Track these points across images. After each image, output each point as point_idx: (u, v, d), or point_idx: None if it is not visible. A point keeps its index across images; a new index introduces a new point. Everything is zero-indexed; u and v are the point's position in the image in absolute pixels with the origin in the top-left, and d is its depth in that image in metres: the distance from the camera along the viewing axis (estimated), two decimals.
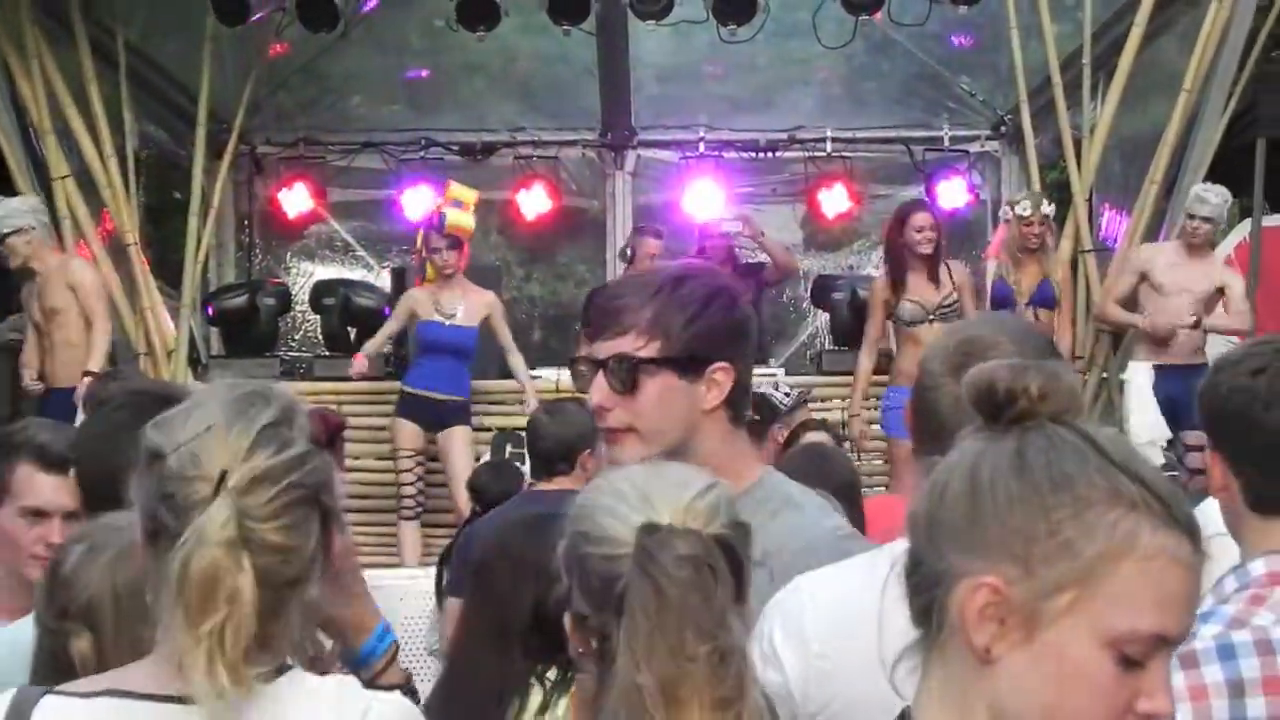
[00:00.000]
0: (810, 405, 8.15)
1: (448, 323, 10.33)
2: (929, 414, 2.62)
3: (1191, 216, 9.81)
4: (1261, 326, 10.30)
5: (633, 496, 2.12)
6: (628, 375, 2.88)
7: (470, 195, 11.16)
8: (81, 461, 3.28)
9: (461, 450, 10.27)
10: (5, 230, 9.69)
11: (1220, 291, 9.97)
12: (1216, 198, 9.85)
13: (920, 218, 10.07)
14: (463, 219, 10.86)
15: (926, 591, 1.76)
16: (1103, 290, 10.30)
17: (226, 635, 1.96)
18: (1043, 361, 1.82)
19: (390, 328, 10.73)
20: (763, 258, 12.45)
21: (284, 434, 2.08)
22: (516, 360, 10.58)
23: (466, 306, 10.39)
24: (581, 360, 2.98)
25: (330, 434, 2.04)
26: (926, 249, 9.97)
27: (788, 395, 7.91)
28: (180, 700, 2.03)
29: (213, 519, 1.98)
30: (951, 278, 10.03)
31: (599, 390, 2.91)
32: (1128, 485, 1.68)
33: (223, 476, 2.02)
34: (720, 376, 2.90)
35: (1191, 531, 1.69)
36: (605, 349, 2.92)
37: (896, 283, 10.06)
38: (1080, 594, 1.66)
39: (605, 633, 2.07)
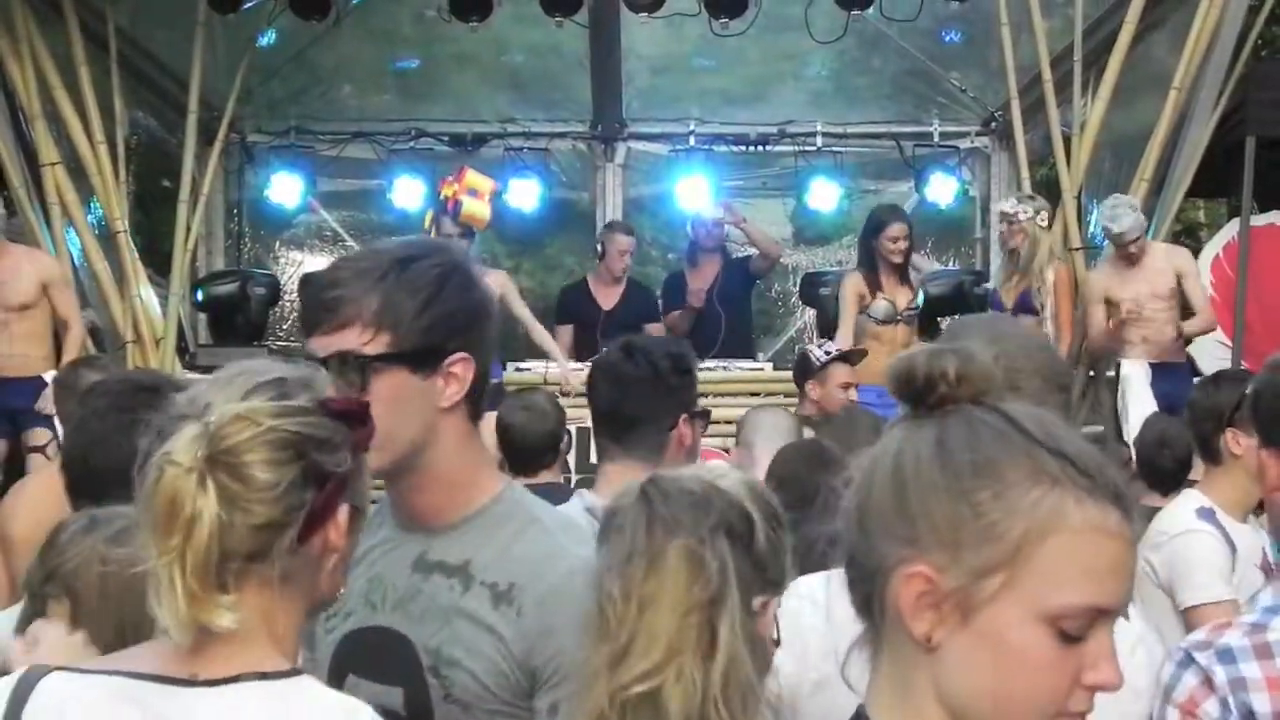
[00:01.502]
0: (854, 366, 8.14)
1: None
2: None
3: (1121, 246, 9.70)
4: (1250, 327, 10.35)
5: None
6: (354, 375, 2.51)
7: (487, 184, 11.13)
8: (68, 457, 3.29)
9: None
10: None
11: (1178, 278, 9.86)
12: (1130, 215, 9.69)
13: (895, 228, 10.18)
14: (479, 208, 10.84)
15: (864, 584, 1.77)
16: (1087, 329, 10.09)
17: (187, 557, 1.93)
18: (957, 345, 1.81)
19: None
20: (748, 250, 12.47)
21: (286, 389, 2.06)
22: (539, 334, 10.52)
23: None
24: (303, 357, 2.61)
25: (355, 412, 1.99)
26: (898, 259, 10.16)
27: (827, 353, 7.98)
28: (186, 683, 2.02)
29: (181, 438, 1.97)
30: (918, 273, 10.19)
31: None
32: (1050, 462, 1.68)
33: (207, 408, 2.01)
34: (459, 369, 2.58)
35: (1120, 502, 1.69)
36: (325, 345, 2.54)
37: (870, 282, 10.13)
38: (1010, 575, 1.66)
39: None
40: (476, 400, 2.64)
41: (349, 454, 2.08)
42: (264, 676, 2.04)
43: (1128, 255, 9.67)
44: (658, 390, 3.90)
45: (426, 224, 11.42)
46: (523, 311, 10.50)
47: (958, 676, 1.71)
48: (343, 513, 2.09)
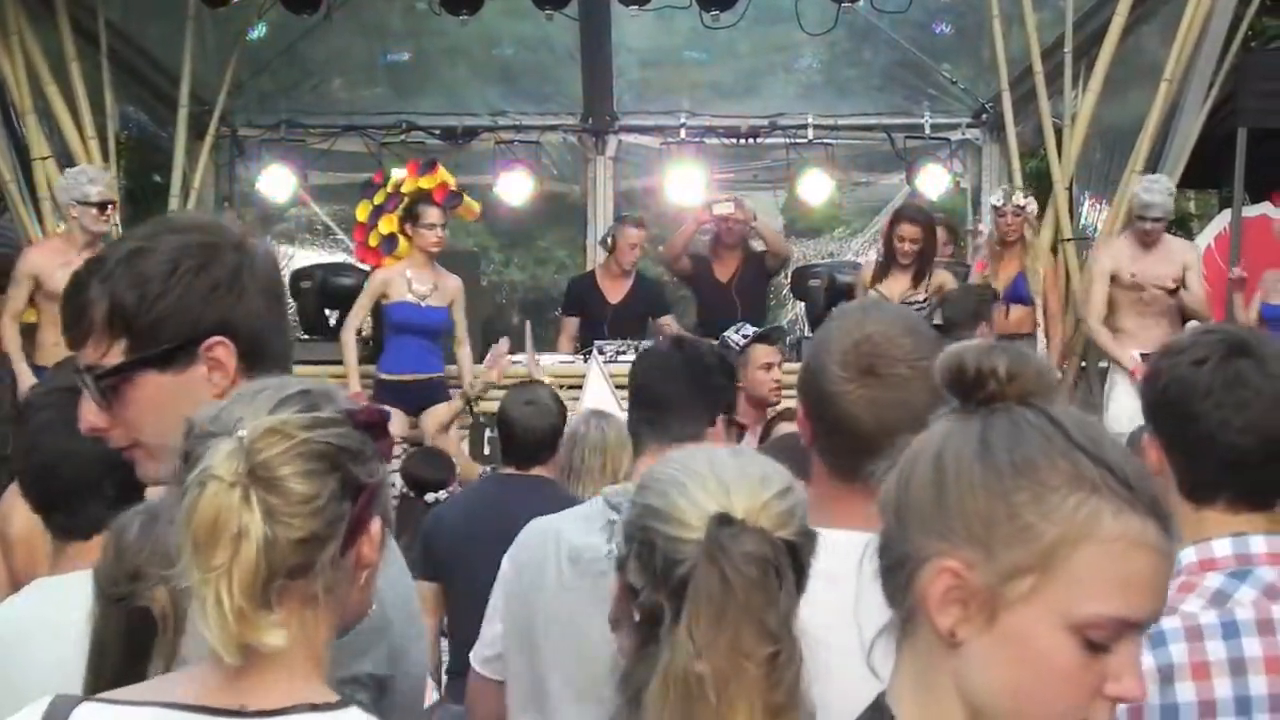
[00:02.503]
0: (775, 346, 8.00)
1: (423, 303, 10.28)
2: (839, 419, 2.58)
3: (1143, 219, 9.75)
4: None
5: (711, 482, 2.02)
6: (102, 389, 2.38)
7: (452, 180, 11.23)
8: (32, 476, 3.21)
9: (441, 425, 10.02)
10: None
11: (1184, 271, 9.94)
12: (1163, 194, 9.80)
13: (907, 229, 10.13)
14: (471, 201, 10.88)
15: (895, 573, 1.78)
16: (1084, 305, 10.21)
17: (234, 574, 1.86)
18: (1010, 344, 1.83)
19: (365, 304, 10.48)
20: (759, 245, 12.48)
21: (311, 401, 2.01)
22: (463, 346, 10.51)
23: (439, 288, 10.35)
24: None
25: (378, 422, 1.93)
26: (905, 260, 10.13)
27: (745, 337, 7.93)
28: (234, 714, 1.94)
29: (218, 454, 1.90)
30: (927, 282, 10.16)
31: (88, 411, 2.41)
32: (1090, 469, 1.68)
33: (238, 424, 1.95)
34: (221, 353, 2.37)
35: (1159, 515, 1.69)
36: (80, 359, 2.41)
37: (878, 273, 10.18)
38: (1041, 578, 1.66)
39: (654, 610, 1.98)
40: (265, 374, 2.30)
41: (378, 465, 2.03)
42: (315, 708, 1.96)
43: (1144, 235, 9.71)
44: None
45: (362, 216, 11.46)
46: (462, 324, 10.46)
47: (979, 674, 1.72)
48: (375, 525, 2.04)
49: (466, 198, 10.97)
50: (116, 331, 2.36)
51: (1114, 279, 9.86)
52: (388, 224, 12.39)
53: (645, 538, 2.04)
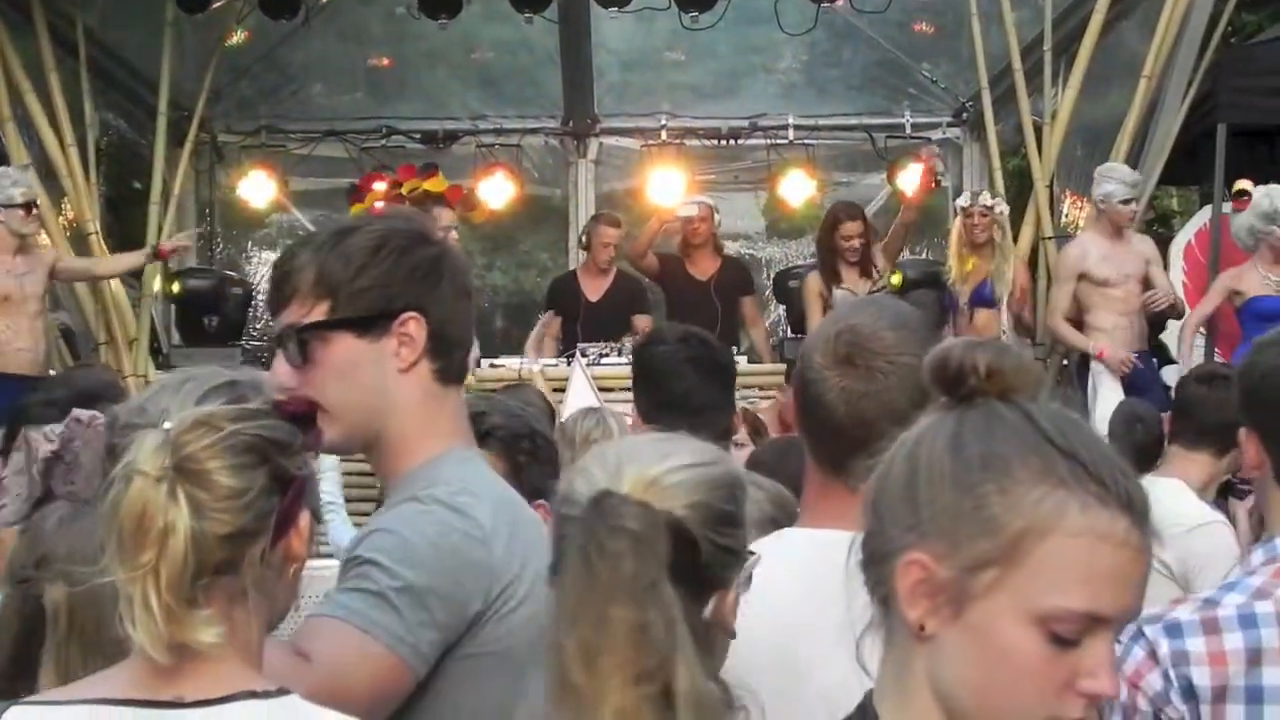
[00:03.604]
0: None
1: None
2: (815, 406, 2.58)
3: (1125, 202, 9.75)
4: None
5: (611, 461, 2.01)
6: (299, 346, 2.55)
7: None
8: None
9: None
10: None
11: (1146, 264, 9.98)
12: (1131, 175, 9.84)
13: (849, 227, 10.41)
14: (486, 204, 10.85)
15: (875, 568, 1.78)
16: (1048, 306, 10.24)
17: (161, 571, 1.84)
18: (996, 340, 1.83)
19: None
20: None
21: (238, 392, 2.00)
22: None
23: None
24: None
25: (306, 412, 1.92)
26: (853, 257, 10.37)
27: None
28: (172, 705, 1.91)
29: (144, 448, 1.87)
30: (877, 267, 10.29)
31: (279, 368, 2.57)
32: (1060, 463, 1.68)
33: (164, 416, 1.92)
34: (412, 328, 2.56)
35: (1132, 511, 1.68)
36: (280, 321, 2.61)
37: (829, 278, 10.38)
38: (1004, 570, 1.66)
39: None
40: (443, 355, 2.61)
41: (306, 457, 2.01)
42: (254, 695, 1.94)
43: (1116, 223, 9.72)
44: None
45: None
46: None
47: (948, 668, 1.72)
48: (304, 519, 2.01)
49: (479, 197, 10.95)
50: (321, 294, 2.56)
51: (1085, 277, 9.84)
52: None
53: (552, 522, 2.04)
